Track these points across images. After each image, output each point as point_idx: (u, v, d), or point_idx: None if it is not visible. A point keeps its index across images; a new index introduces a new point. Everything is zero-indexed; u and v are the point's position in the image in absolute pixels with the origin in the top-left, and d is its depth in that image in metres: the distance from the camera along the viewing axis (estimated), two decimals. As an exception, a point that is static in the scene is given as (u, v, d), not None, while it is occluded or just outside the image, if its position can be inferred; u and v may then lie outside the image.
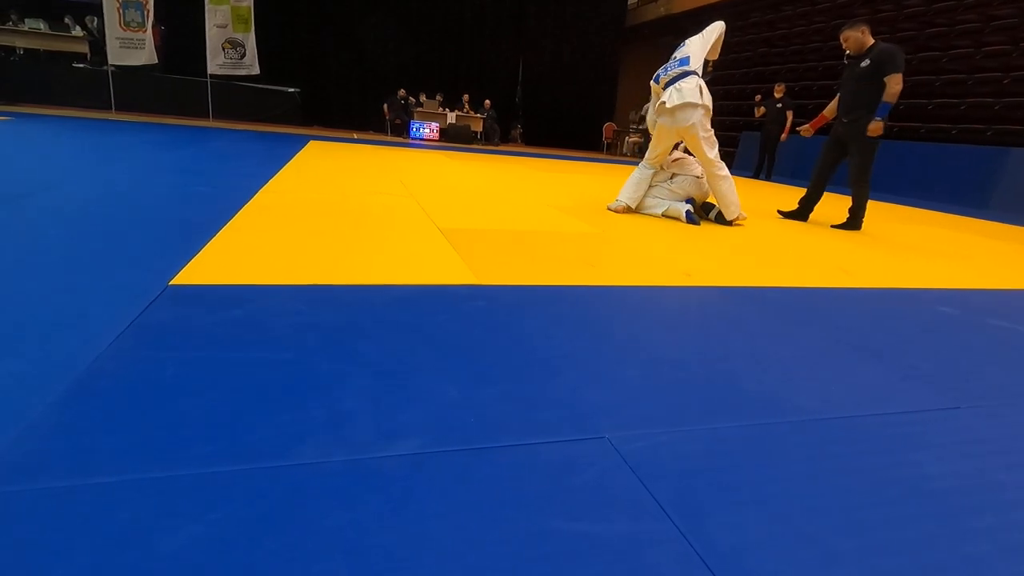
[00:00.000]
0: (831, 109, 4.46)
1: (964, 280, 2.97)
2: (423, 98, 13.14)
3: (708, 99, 3.89)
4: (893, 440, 1.17)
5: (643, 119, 13.14)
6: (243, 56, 11.60)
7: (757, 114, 10.09)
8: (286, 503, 0.81)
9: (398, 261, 2.21)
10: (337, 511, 0.80)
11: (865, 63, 4.05)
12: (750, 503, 0.91)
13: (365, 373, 1.23)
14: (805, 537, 0.85)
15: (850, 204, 4.37)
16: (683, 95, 3.83)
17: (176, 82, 11.77)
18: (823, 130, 4.62)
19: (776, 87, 9.77)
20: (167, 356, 1.22)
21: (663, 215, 4.04)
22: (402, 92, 12.92)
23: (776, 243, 3.53)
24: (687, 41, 4.07)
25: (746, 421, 1.19)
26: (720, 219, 4.05)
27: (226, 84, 11.85)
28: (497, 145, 13.73)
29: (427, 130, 12.56)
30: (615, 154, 15.59)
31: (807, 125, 4.65)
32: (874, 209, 6.21)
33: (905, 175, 9.13)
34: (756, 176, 10.19)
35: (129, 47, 10.77)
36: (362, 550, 0.73)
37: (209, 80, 11.53)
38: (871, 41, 4.12)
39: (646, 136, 13.06)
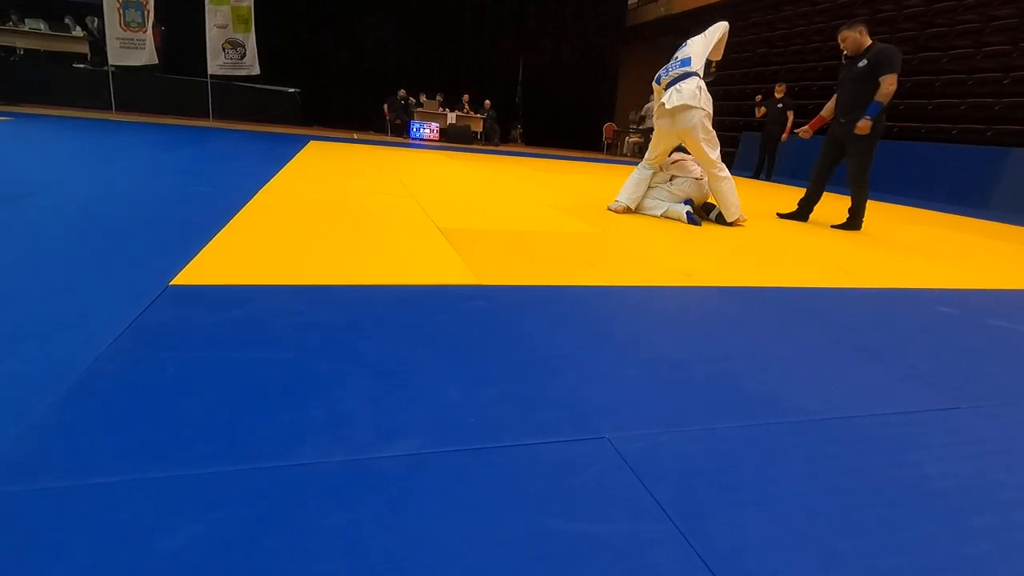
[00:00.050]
0: (829, 110, 4.46)
1: (964, 280, 2.97)
2: (423, 98, 13.14)
3: (708, 101, 3.88)
4: (893, 440, 1.17)
5: (643, 119, 13.16)
6: (243, 56, 11.60)
7: (758, 114, 10.09)
8: (286, 503, 0.81)
9: (398, 261, 2.21)
10: (337, 511, 0.80)
11: (862, 63, 4.06)
12: (750, 503, 0.91)
13: (365, 373, 1.23)
14: (805, 537, 0.85)
15: (849, 204, 4.37)
16: (682, 97, 3.82)
17: (176, 82, 11.77)
18: (822, 130, 4.62)
19: (777, 87, 9.77)
20: (167, 356, 1.22)
21: (662, 216, 4.04)
22: (402, 92, 12.92)
23: (776, 243, 3.53)
24: (689, 41, 4.06)
25: (746, 421, 1.19)
26: (720, 220, 4.05)
27: (226, 84, 11.85)
28: (497, 145, 13.73)
29: (427, 130, 12.56)
30: (615, 154, 15.59)
31: (806, 127, 4.65)
32: (874, 209, 6.20)
33: (905, 175, 9.13)
34: (756, 176, 10.19)
35: (129, 47, 10.77)
36: (362, 550, 0.73)
37: (209, 80, 11.53)
38: (869, 42, 4.13)
39: (646, 136, 13.06)
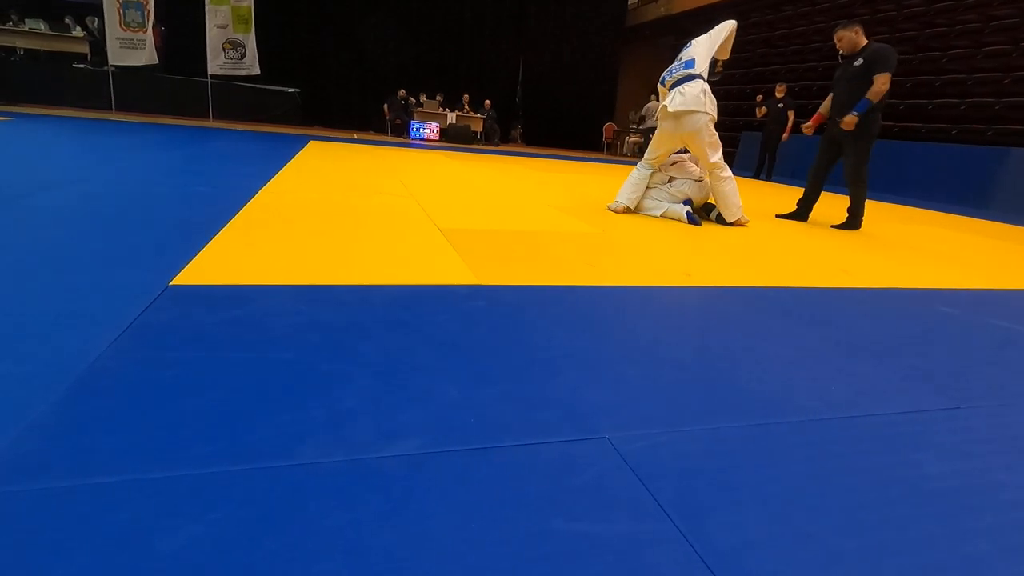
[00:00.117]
0: (827, 106, 4.47)
1: (964, 280, 2.96)
2: (423, 98, 13.14)
3: (713, 105, 3.88)
4: (893, 440, 1.17)
5: (643, 119, 13.15)
6: (243, 56, 11.60)
7: (758, 114, 10.09)
8: (286, 503, 0.81)
9: (398, 261, 2.21)
10: (337, 511, 0.80)
11: (858, 62, 4.08)
12: (750, 503, 0.91)
13: (365, 373, 1.23)
14: (805, 537, 0.85)
15: (848, 204, 4.38)
16: (686, 101, 3.82)
17: (176, 82, 11.77)
18: (821, 128, 4.63)
19: (777, 87, 9.77)
20: (167, 356, 1.22)
21: (662, 216, 4.04)
22: (402, 92, 12.92)
23: (776, 243, 3.53)
24: (694, 41, 4.05)
25: (746, 421, 1.19)
26: (721, 220, 4.05)
27: (226, 84, 11.85)
28: (497, 145, 13.73)
29: (427, 130, 12.56)
30: (615, 154, 15.59)
31: (809, 123, 4.64)
32: (874, 209, 6.20)
33: (905, 175, 9.13)
34: (756, 176, 10.19)
35: (129, 47, 10.77)
36: (362, 550, 0.73)
37: (209, 80, 11.54)
38: (864, 41, 4.15)
39: (646, 136, 13.04)
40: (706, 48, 3.98)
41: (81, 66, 11.25)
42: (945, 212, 7.07)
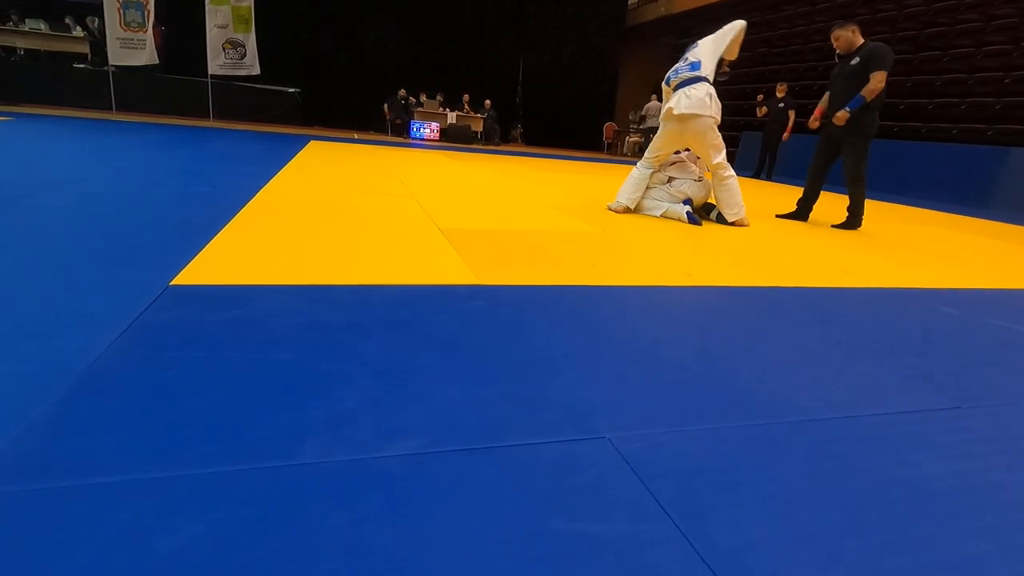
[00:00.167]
0: (826, 100, 4.47)
1: (965, 280, 2.96)
2: (423, 98, 13.14)
3: (717, 109, 3.89)
4: (893, 440, 1.17)
5: (643, 119, 13.14)
6: (243, 56, 11.60)
7: (759, 114, 10.09)
8: (286, 503, 0.81)
9: (399, 261, 2.21)
10: (337, 511, 0.80)
11: (855, 61, 4.10)
12: (751, 503, 0.91)
13: (365, 373, 1.23)
14: (806, 537, 0.84)
15: (848, 203, 4.38)
16: (691, 105, 3.81)
17: (176, 82, 11.77)
18: (817, 129, 4.64)
19: (778, 87, 9.77)
20: (168, 356, 1.22)
21: (662, 216, 4.03)
22: (402, 92, 12.92)
23: (777, 243, 3.53)
24: (700, 42, 4.04)
25: (747, 421, 1.19)
26: (721, 219, 4.05)
27: (226, 84, 11.85)
28: (497, 145, 13.73)
29: (427, 130, 12.56)
30: (615, 154, 15.59)
31: (814, 116, 4.60)
32: (875, 209, 6.20)
33: (906, 175, 9.12)
34: (757, 176, 10.19)
35: (130, 47, 10.77)
36: (362, 550, 0.73)
37: (209, 80, 11.54)
38: (861, 40, 4.17)
39: (646, 136, 13.02)
40: (712, 49, 3.98)
41: (81, 66, 11.25)
42: (945, 212, 7.07)
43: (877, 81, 3.94)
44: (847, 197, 4.40)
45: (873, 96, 3.98)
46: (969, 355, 1.77)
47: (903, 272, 3.00)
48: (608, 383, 1.30)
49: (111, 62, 10.73)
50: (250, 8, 11.39)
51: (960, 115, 8.87)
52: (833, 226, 4.44)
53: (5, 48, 11.07)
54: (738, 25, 4.04)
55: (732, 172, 4.05)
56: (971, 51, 8.82)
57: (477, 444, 1.00)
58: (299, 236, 2.45)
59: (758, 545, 0.82)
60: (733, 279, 2.46)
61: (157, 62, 11.05)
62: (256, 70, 11.70)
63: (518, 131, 15.83)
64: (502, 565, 0.73)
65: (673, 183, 4.17)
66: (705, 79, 3.90)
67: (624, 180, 4.30)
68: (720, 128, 4.00)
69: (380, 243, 2.47)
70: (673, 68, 4.11)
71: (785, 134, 9.53)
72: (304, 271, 1.95)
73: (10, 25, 10.81)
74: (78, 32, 11.43)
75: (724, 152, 4.01)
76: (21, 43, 11.09)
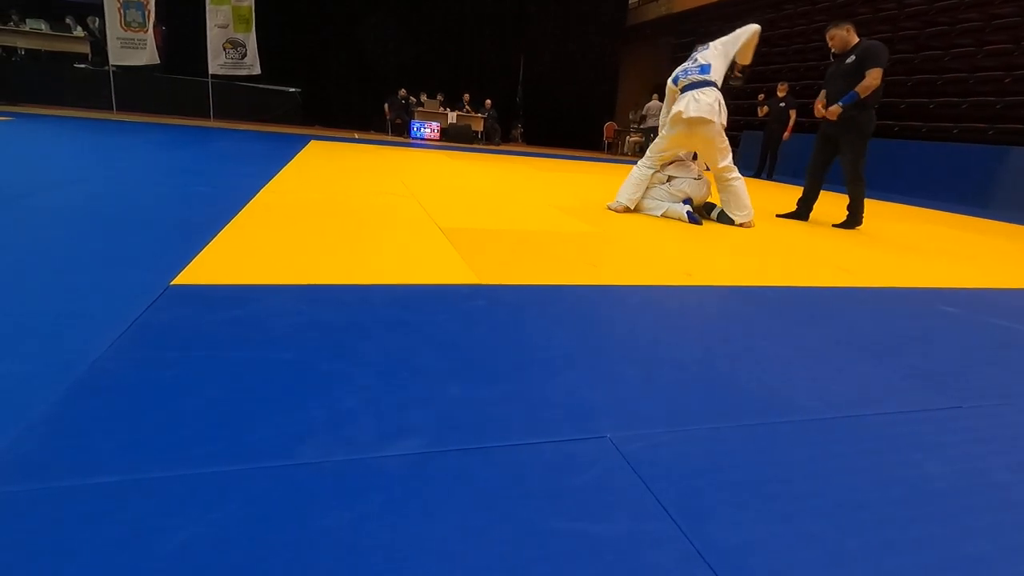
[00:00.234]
0: (823, 99, 4.48)
1: (966, 279, 2.96)
2: (424, 98, 13.14)
3: (724, 115, 3.90)
4: (894, 439, 1.17)
5: (644, 118, 13.12)
6: (244, 56, 11.60)
7: (760, 113, 10.08)
8: (286, 503, 0.81)
9: (399, 261, 2.21)
10: (337, 511, 0.80)
11: (850, 59, 4.12)
12: (752, 502, 0.91)
13: (366, 373, 1.23)
14: (807, 536, 0.84)
15: (848, 202, 4.39)
16: (700, 109, 3.80)
17: (177, 82, 11.78)
18: (814, 129, 4.64)
19: (779, 86, 9.77)
20: (168, 356, 1.22)
21: (663, 216, 4.03)
22: (403, 92, 12.92)
23: (777, 243, 3.53)
24: (712, 44, 4.03)
25: (747, 421, 1.18)
26: (722, 218, 4.05)
27: (227, 84, 11.86)
28: (498, 145, 13.73)
29: (428, 130, 12.56)
30: (616, 154, 15.59)
31: (818, 106, 4.56)
32: (876, 208, 6.20)
33: (906, 174, 9.12)
34: (758, 176, 10.19)
35: (130, 47, 10.78)
36: (363, 550, 0.73)
37: (210, 80, 11.54)
38: (856, 39, 4.19)
39: (647, 135, 12.99)
40: (724, 52, 3.97)
41: (82, 66, 11.26)
42: (946, 211, 7.06)
43: (872, 78, 3.96)
44: (847, 196, 4.41)
45: (868, 92, 3.99)
46: (970, 354, 1.77)
47: (904, 271, 3.00)
48: (608, 383, 1.30)
49: (112, 62, 10.74)
50: (250, 8, 11.39)
51: (961, 114, 8.86)
52: (834, 225, 4.44)
53: (6, 48, 11.08)
54: (751, 29, 4.02)
55: (738, 174, 4.05)
56: (972, 50, 8.81)
57: (477, 444, 1.00)
58: (299, 236, 2.45)
59: (759, 545, 0.82)
60: (734, 279, 2.46)
61: (158, 62, 11.06)
62: (257, 70, 11.70)
63: (518, 131, 15.83)
64: (502, 565, 0.73)
65: (673, 182, 4.17)
66: (714, 84, 3.89)
67: (624, 180, 4.29)
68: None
69: (381, 243, 2.47)
70: (681, 67, 4.09)
71: (786, 133, 9.52)
72: (304, 271, 1.95)
73: (11, 25, 10.82)
74: (79, 32, 11.44)
75: (730, 155, 4.02)
76: (22, 43, 11.11)
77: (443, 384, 1.21)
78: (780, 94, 9.66)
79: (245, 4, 11.35)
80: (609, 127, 15.92)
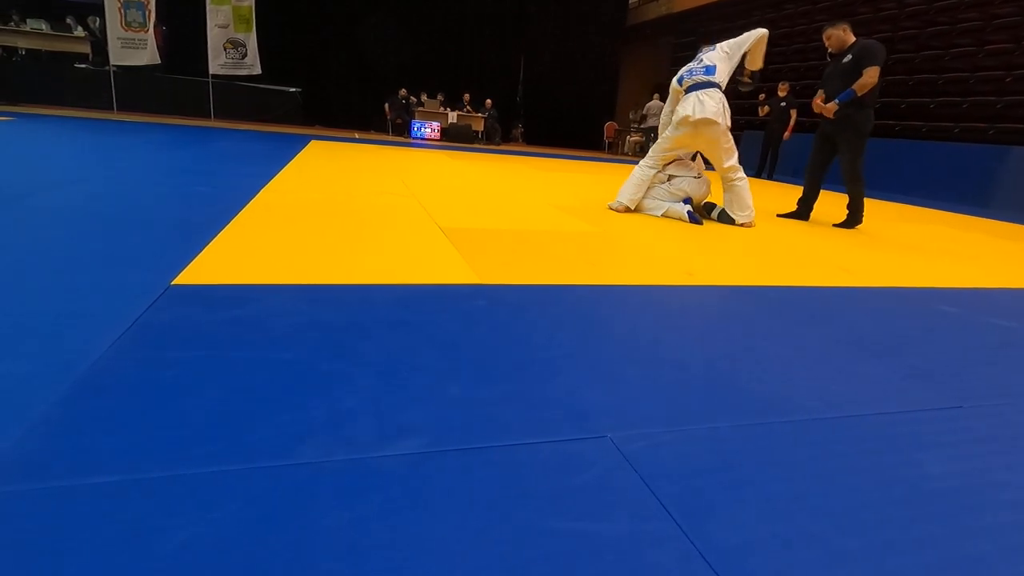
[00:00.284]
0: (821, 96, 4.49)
1: (966, 279, 2.96)
2: (424, 98, 13.13)
3: (729, 117, 3.91)
4: (895, 439, 1.17)
5: (644, 118, 13.12)
6: (244, 56, 11.61)
7: (761, 113, 10.08)
8: (287, 502, 0.81)
9: (400, 261, 2.21)
10: (338, 510, 0.80)
11: (847, 59, 4.13)
12: (752, 502, 0.91)
13: (366, 372, 1.23)
14: (808, 536, 0.84)
15: (847, 202, 4.39)
16: (705, 111, 3.81)
17: (177, 82, 11.78)
18: (815, 128, 4.65)
19: (780, 86, 9.77)
20: (169, 356, 1.22)
21: (663, 216, 4.03)
22: (403, 92, 12.92)
23: (778, 242, 3.53)
24: (718, 45, 4.03)
25: (748, 420, 1.18)
26: (723, 218, 4.05)
27: (227, 84, 11.86)
28: (498, 145, 13.72)
29: (428, 129, 12.56)
30: (616, 153, 15.58)
31: (817, 101, 4.56)
32: (876, 208, 6.20)
33: (907, 174, 9.11)
34: (759, 175, 10.18)
35: (131, 47, 10.79)
36: (363, 549, 0.73)
37: (210, 80, 11.54)
38: (852, 39, 4.21)
39: (647, 135, 12.97)
40: (730, 56, 3.97)
41: (82, 66, 11.26)
42: (946, 211, 7.06)
43: (870, 76, 3.97)
44: (846, 196, 4.41)
45: (865, 91, 4.00)
46: (970, 354, 1.77)
47: (904, 271, 3.00)
48: (609, 382, 1.29)
49: (112, 62, 10.75)
50: (251, 8, 11.40)
51: (961, 114, 8.85)
52: (834, 225, 4.44)
53: (6, 48, 11.09)
54: (758, 32, 4.02)
55: (743, 174, 4.06)
56: (972, 50, 8.80)
57: (477, 444, 1.00)
58: (300, 236, 2.46)
59: (760, 544, 0.82)
60: (734, 278, 2.46)
61: (158, 62, 11.07)
62: (257, 70, 11.71)
63: (519, 131, 15.82)
64: (503, 564, 0.73)
65: (673, 181, 4.17)
66: (718, 85, 3.90)
67: (625, 179, 4.29)
68: None
69: (381, 243, 2.47)
70: (686, 68, 4.09)
71: (786, 133, 9.51)
72: (305, 271, 1.95)
73: (11, 25, 10.83)
74: (79, 32, 11.44)
75: (736, 155, 4.03)
76: (22, 43, 11.11)
77: (443, 384, 1.21)
78: (781, 94, 9.65)
79: (245, 4, 11.35)
80: (609, 127, 15.92)
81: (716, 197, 4.27)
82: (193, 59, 11.46)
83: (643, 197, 4.18)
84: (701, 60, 4.02)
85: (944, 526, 0.90)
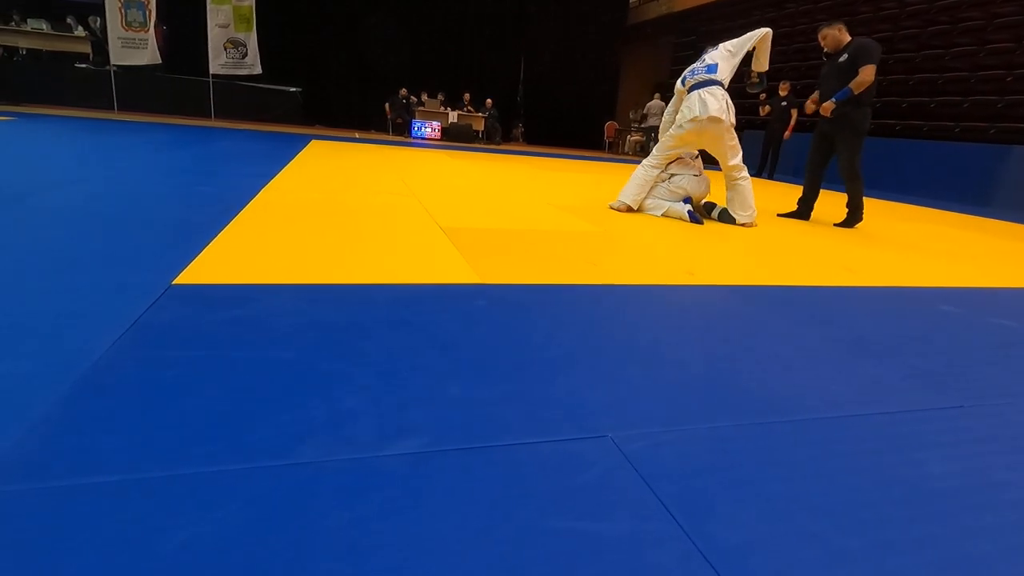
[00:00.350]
0: (817, 98, 4.49)
1: (967, 278, 2.96)
2: (425, 97, 13.13)
3: (733, 114, 3.91)
4: (896, 439, 1.16)
5: (645, 117, 13.11)
6: (245, 56, 11.61)
7: (763, 112, 10.07)
8: (288, 502, 0.81)
9: (400, 260, 2.21)
10: (339, 510, 0.80)
11: (843, 58, 4.15)
12: (753, 502, 0.91)
13: (366, 372, 1.23)
14: (808, 536, 0.84)
15: (847, 200, 4.39)
16: (708, 108, 3.81)
17: (178, 82, 11.79)
18: (813, 128, 4.66)
19: (781, 85, 9.76)
20: (170, 355, 1.22)
21: (663, 216, 4.03)
22: (403, 91, 12.91)
23: (779, 242, 3.52)
24: (721, 45, 4.04)
25: (748, 420, 1.18)
26: (724, 217, 4.05)
27: (228, 84, 11.86)
28: (499, 144, 13.72)
29: (429, 129, 12.56)
30: (617, 153, 15.57)
31: (809, 103, 4.58)
32: (877, 208, 6.19)
33: (908, 173, 9.10)
34: (759, 175, 10.19)
35: (131, 47, 10.80)
36: (364, 549, 0.73)
37: (211, 80, 11.54)
38: (848, 38, 4.23)
39: (648, 135, 12.95)
40: (732, 53, 3.98)
41: (83, 66, 11.27)
42: (947, 210, 7.05)
43: (866, 74, 3.98)
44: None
45: (861, 89, 4.01)
46: (971, 354, 1.77)
47: (905, 271, 2.99)
48: (610, 382, 1.29)
49: (113, 62, 10.75)
50: (251, 7, 11.40)
51: (962, 113, 8.85)
52: (835, 224, 4.44)
53: (7, 48, 11.10)
54: (761, 32, 4.01)
55: (747, 174, 4.05)
56: (973, 49, 8.79)
57: (478, 443, 1.00)
58: (301, 235, 2.46)
59: (761, 544, 0.82)
60: (735, 278, 2.46)
61: (159, 62, 11.07)
62: (257, 69, 11.71)
63: (519, 130, 15.82)
64: (503, 564, 0.73)
65: (673, 179, 4.17)
66: (720, 83, 3.90)
67: (628, 179, 4.28)
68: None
69: (382, 242, 2.47)
70: (689, 68, 4.11)
71: (787, 132, 9.51)
72: (305, 270, 1.95)
73: (12, 25, 10.83)
74: (80, 32, 11.45)
75: (740, 154, 4.02)
76: (23, 43, 11.12)
77: (444, 383, 1.21)
78: (782, 93, 9.65)
79: (246, 4, 11.36)
80: (610, 126, 15.91)
81: (718, 197, 4.26)
82: (193, 59, 11.47)
83: (646, 197, 4.18)
84: (704, 59, 4.03)
85: (944, 526, 0.90)
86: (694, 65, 4.08)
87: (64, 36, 11.33)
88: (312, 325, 1.47)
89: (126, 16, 10.66)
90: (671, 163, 4.22)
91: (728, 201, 4.08)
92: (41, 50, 11.28)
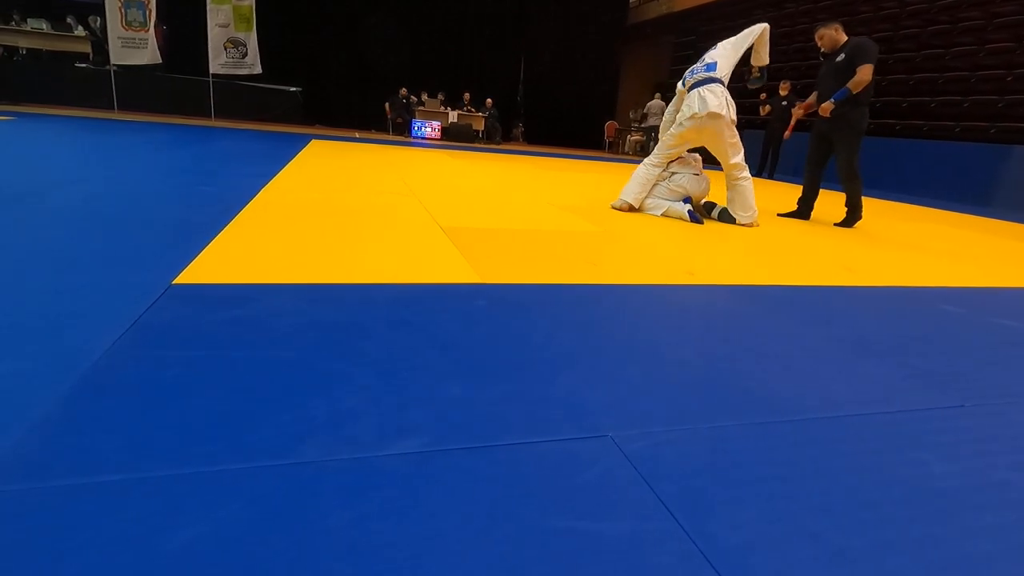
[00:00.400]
0: (814, 100, 4.49)
1: (968, 278, 2.96)
2: (425, 97, 13.13)
3: (733, 111, 3.91)
4: (897, 439, 1.16)
5: (645, 117, 13.10)
6: (245, 55, 11.61)
7: (763, 112, 10.07)
8: (289, 501, 0.81)
9: (400, 260, 2.21)
10: (339, 510, 0.80)
11: (840, 58, 4.15)
12: (754, 501, 0.91)
13: (367, 372, 1.23)
14: (809, 535, 0.84)
15: (845, 200, 4.40)
16: (708, 104, 3.81)
17: (178, 81, 11.79)
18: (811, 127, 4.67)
19: (782, 85, 9.76)
20: (170, 355, 1.22)
21: (663, 215, 4.03)
22: (404, 91, 12.91)
23: (779, 241, 3.52)
24: (720, 44, 4.05)
25: (749, 419, 1.18)
26: (724, 217, 4.04)
27: (228, 83, 11.86)
28: (499, 144, 13.72)
29: (429, 129, 12.55)
30: (617, 153, 15.57)
31: (803, 105, 4.62)
32: (878, 207, 6.19)
33: (908, 173, 9.10)
34: (759, 174, 10.18)
35: (131, 47, 10.79)
36: (364, 549, 0.73)
37: (211, 79, 11.54)
38: (844, 38, 4.23)
39: (648, 134, 12.93)
40: (731, 51, 3.98)
41: (83, 65, 11.27)
42: (948, 210, 7.05)
43: (863, 73, 3.98)
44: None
45: (859, 88, 4.01)
46: (972, 354, 1.77)
47: (906, 270, 2.99)
48: (610, 382, 1.29)
49: (113, 61, 10.75)
50: (251, 7, 11.39)
51: (962, 113, 8.84)
52: (836, 224, 4.44)
53: (7, 48, 11.10)
54: (759, 28, 4.02)
55: (748, 174, 4.05)
56: (973, 49, 8.79)
57: (479, 443, 1.00)
58: (301, 235, 2.45)
59: (761, 544, 0.82)
60: (735, 278, 2.46)
61: (159, 61, 11.07)
62: (257, 69, 11.71)
63: (519, 130, 15.81)
64: (504, 564, 0.73)
65: (673, 178, 4.17)
66: (720, 81, 3.90)
67: (629, 178, 4.28)
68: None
69: (382, 242, 2.47)
70: (689, 69, 4.11)
71: (787, 132, 9.50)
72: (306, 270, 1.95)
73: (12, 25, 10.83)
74: (80, 32, 11.44)
75: (742, 152, 4.01)
76: (23, 43, 11.12)
77: (444, 383, 1.21)
78: (783, 93, 9.65)
79: (246, 3, 11.35)
80: (610, 126, 15.90)
81: (718, 196, 4.26)
82: (193, 58, 11.46)
83: (646, 196, 4.18)
84: (703, 59, 4.03)
85: (945, 526, 0.90)
86: (694, 65, 4.09)
87: (64, 36, 11.33)
88: (312, 325, 1.47)
89: (126, 16, 10.66)
90: (672, 162, 4.22)
91: (728, 201, 4.08)
92: (41, 50, 11.28)
